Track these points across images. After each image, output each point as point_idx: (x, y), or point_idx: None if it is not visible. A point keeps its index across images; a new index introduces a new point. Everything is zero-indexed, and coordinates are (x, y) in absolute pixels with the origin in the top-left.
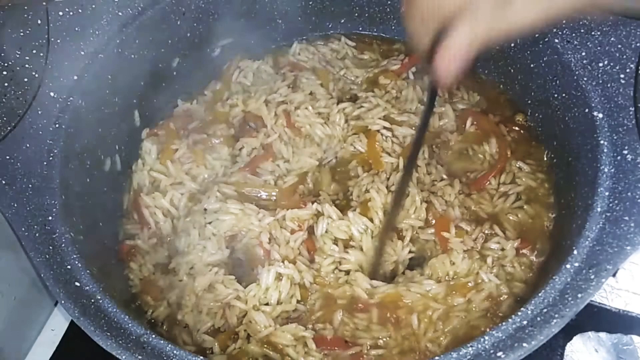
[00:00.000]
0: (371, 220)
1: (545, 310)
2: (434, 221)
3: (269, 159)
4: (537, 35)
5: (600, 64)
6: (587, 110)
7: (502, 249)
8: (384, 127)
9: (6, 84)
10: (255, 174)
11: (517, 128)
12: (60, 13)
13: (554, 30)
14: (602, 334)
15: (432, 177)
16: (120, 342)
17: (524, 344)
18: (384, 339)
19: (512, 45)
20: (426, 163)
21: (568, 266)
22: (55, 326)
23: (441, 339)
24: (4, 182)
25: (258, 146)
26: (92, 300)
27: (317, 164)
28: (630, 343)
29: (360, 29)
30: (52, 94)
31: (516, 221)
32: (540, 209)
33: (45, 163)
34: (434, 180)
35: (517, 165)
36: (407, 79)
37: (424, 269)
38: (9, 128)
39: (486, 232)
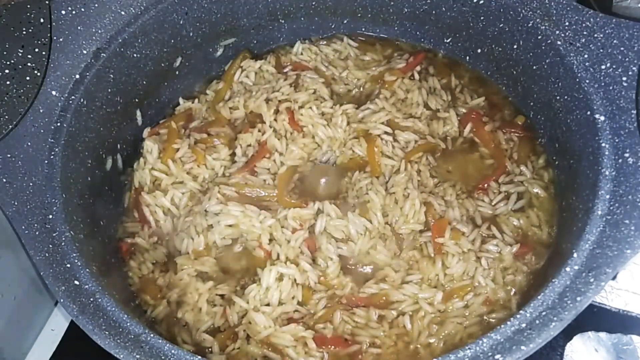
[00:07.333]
0: (370, 221)
1: (544, 313)
2: (433, 222)
3: (265, 156)
4: (539, 38)
5: (603, 67)
6: (589, 112)
7: (500, 252)
8: (385, 132)
9: (8, 82)
10: (253, 174)
11: (518, 131)
12: (63, 12)
13: (557, 32)
14: (602, 334)
15: (435, 182)
16: (119, 341)
17: (522, 347)
18: (381, 339)
19: (515, 47)
20: (429, 168)
21: (568, 269)
22: (55, 326)
23: (434, 342)
24: (5, 180)
25: (253, 142)
26: (91, 299)
27: (307, 156)
28: (630, 343)
29: (364, 29)
30: (54, 92)
31: (516, 225)
32: (541, 213)
33: (46, 161)
34: (436, 185)
35: (517, 171)
36: (412, 78)
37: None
38: (10, 126)
39: (483, 234)
